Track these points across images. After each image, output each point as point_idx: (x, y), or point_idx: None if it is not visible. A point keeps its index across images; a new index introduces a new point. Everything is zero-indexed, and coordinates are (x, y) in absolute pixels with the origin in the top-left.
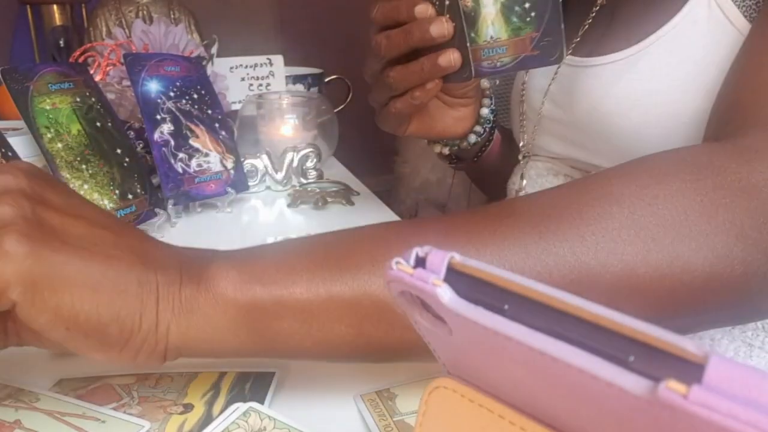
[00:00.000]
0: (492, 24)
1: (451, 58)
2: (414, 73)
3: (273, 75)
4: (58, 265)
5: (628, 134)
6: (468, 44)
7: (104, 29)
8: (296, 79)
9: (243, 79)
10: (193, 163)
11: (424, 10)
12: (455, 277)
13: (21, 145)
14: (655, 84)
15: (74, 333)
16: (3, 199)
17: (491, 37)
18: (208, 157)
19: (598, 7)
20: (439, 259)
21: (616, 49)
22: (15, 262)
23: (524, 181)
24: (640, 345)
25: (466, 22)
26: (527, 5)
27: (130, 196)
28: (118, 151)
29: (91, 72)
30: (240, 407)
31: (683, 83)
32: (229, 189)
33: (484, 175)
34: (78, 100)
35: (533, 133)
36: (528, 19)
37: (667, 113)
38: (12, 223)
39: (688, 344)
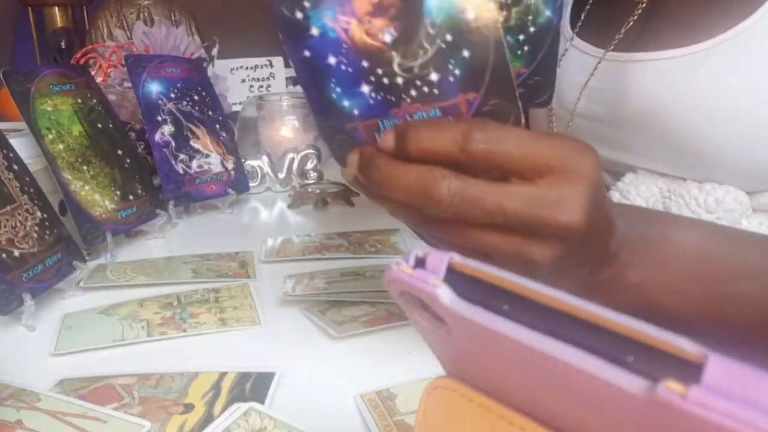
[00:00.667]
0: None
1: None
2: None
3: (273, 76)
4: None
5: (686, 133)
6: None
7: (105, 31)
8: (296, 80)
9: (243, 81)
10: (194, 164)
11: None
12: (455, 277)
13: (22, 146)
14: (725, 83)
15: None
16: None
17: None
18: (209, 158)
19: (644, 4)
20: (439, 259)
21: (675, 45)
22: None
23: None
24: (639, 345)
25: None
26: (521, 37)
27: (131, 197)
28: (119, 152)
29: (93, 73)
30: (240, 407)
31: (757, 84)
32: (230, 190)
33: None
34: (79, 101)
35: (566, 132)
36: (519, 52)
37: (736, 114)
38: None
39: (686, 344)
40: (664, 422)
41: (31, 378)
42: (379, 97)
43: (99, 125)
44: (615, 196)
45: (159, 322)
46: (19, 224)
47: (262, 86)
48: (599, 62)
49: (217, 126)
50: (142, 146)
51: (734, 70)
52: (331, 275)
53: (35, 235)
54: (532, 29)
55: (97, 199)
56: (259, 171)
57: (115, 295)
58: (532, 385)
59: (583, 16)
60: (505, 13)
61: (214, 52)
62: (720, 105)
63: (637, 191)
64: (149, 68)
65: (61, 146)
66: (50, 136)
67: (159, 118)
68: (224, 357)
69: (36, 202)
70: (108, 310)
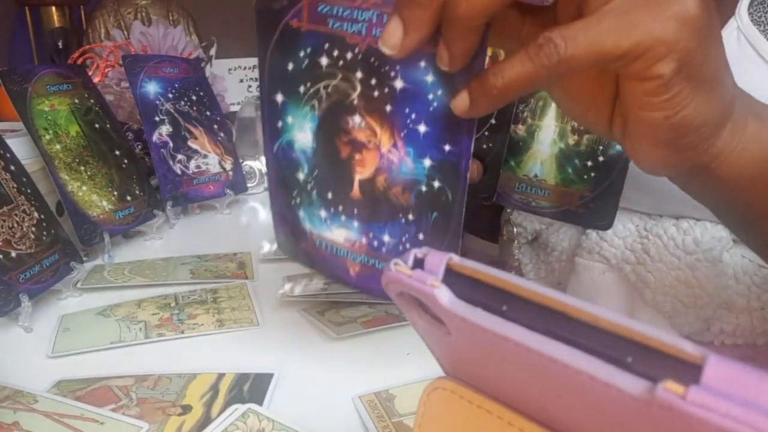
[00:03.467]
0: (541, 163)
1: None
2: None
3: None
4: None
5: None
6: (500, 169)
7: (103, 31)
8: None
9: (241, 81)
10: (192, 164)
11: None
12: (454, 278)
13: (19, 146)
14: None
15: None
16: None
17: (535, 176)
18: (207, 158)
19: None
20: (438, 260)
21: None
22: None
23: None
24: (638, 346)
25: (509, 147)
26: (589, 163)
27: (128, 198)
28: (117, 152)
29: (90, 73)
30: (239, 408)
31: None
32: (228, 190)
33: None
34: (77, 101)
35: None
36: (585, 177)
37: None
38: None
39: (685, 345)
40: (664, 423)
41: (28, 379)
42: None
43: (96, 125)
44: (592, 236)
45: (157, 323)
46: (16, 225)
47: None
48: None
49: (215, 126)
50: (139, 147)
51: None
52: None
53: (32, 235)
54: (601, 158)
55: (95, 199)
56: (257, 171)
57: (112, 296)
58: (531, 386)
59: None
60: (576, 137)
61: (212, 52)
62: None
63: (613, 231)
64: (147, 68)
65: (58, 146)
66: (47, 137)
67: (157, 119)
68: (222, 358)
69: (33, 202)
70: (105, 312)
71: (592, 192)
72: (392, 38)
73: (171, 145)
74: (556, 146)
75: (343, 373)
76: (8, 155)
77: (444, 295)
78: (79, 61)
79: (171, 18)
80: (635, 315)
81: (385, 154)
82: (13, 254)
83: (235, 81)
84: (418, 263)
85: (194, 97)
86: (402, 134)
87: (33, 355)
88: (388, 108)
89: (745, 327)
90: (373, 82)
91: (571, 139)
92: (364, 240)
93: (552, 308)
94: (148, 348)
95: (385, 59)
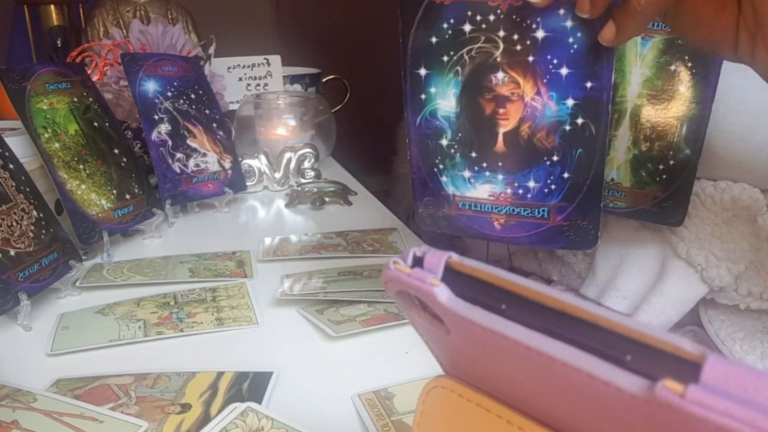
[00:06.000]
0: (617, 168)
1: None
2: None
3: (270, 75)
4: None
5: None
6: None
7: (102, 29)
8: (294, 79)
9: (240, 79)
10: (191, 163)
11: None
12: (453, 276)
13: (18, 145)
14: (742, 79)
15: None
16: None
17: (612, 179)
18: (206, 157)
19: None
20: (437, 258)
21: None
22: None
23: None
24: (637, 344)
25: None
26: (661, 167)
27: (127, 196)
28: (116, 151)
29: (89, 72)
30: (238, 407)
31: None
32: (227, 189)
33: None
34: (75, 100)
35: None
36: (657, 179)
37: (752, 111)
38: None
39: (685, 344)
40: (663, 421)
41: (28, 378)
42: None
43: (95, 124)
44: None
45: (156, 321)
46: (15, 224)
47: (259, 85)
48: None
49: (214, 125)
50: (138, 145)
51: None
52: (328, 275)
53: (31, 234)
54: (671, 162)
55: (94, 198)
56: (256, 170)
57: (111, 295)
58: (530, 384)
59: None
60: (648, 144)
61: (211, 50)
62: (734, 101)
63: None
64: (146, 67)
65: (57, 145)
66: (46, 135)
67: (156, 117)
68: (221, 357)
69: (32, 201)
70: (104, 310)
71: (664, 192)
72: None
73: (170, 143)
74: (630, 153)
75: (342, 372)
76: (7, 154)
77: (443, 294)
78: (78, 60)
79: (170, 16)
80: (666, 269)
81: (529, 102)
82: (12, 253)
83: (234, 79)
84: (418, 262)
85: (193, 96)
86: (545, 80)
87: (32, 353)
88: (531, 58)
89: None
90: (516, 37)
91: (644, 146)
92: (509, 190)
93: (551, 307)
94: (147, 346)
95: (525, 14)
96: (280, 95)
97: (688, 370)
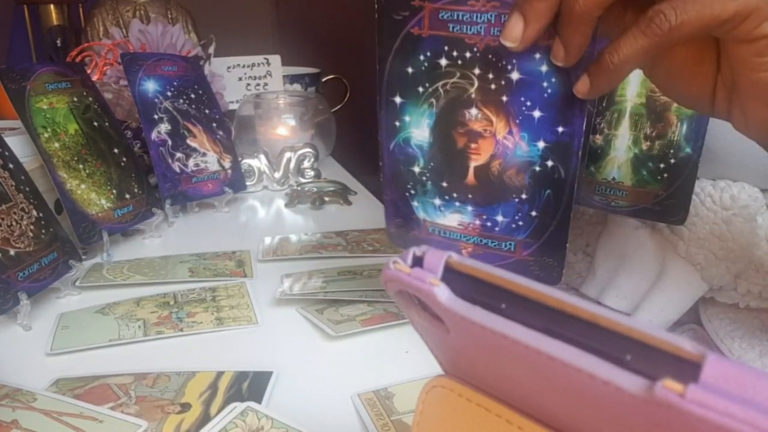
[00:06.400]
0: (618, 168)
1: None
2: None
3: (270, 74)
4: None
5: None
6: (582, 174)
7: (101, 29)
8: (293, 78)
9: (240, 79)
10: (191, 162)
11: None
12: (452, 276)
13: (18, 144)
14: None
15: None
16: None
17: (613, 179)
18: (206, 156)
19: None
20: (437, 258)
21: None
22: None
23: None
24: (637, 344)
25: (588, 155)
26: (661, 165)
27: (127, 196)
28: (116, 150)
29: (89, 72)
30: (238, 407)
31: None
32: (227, 189)
33: None
34: (75, 99)
35: None
36: (659, 177)
37: None
38: None
39: (684, 343)
40: (663, 421)
41: (27, 378)
42: None
43: (95, 124)
44: None
45: (156, 321)
46: (14, 223)
47: (259, 84)
48: None
49: (214, 124)
50: (138, 145)
51: None
52: (328, 274)
53: (31, 234)
54: (672, 161)
55: (93, 198)
56: (256, 170)
57: (111, 295)
58: (530, 384)
59: None
60: (648, 143)
61: (211, 50)
62: None
63: None
64: (145, 66)
65: (56, 145)
66: (46, 135)
67: (155, 117)
68: (221, 356)
69: (31, 200)
70: (104, 310)
71: (665, 191)
72: (514, 32)
73: (170, 143)
74: (631, 152)
75: (341, 371)
76: (6, 153)
77: (443, 293)
78: (78, 59)
79: (170, 16)
80: (666, 268)
81: (501, 141)
82: (12, 252)
83: (234, 79)
84: (417, 261)
85: (193, 95)
86: (517, 121)
87: (32, 353)
88: (504, 98)
89: None
90: (491, 76)
91: (644, 145)
92: (477, 222)
93: (551, 306)
94: (147, 346)
95: (502, 55)
96: (280, 95)
97: (688, 369)
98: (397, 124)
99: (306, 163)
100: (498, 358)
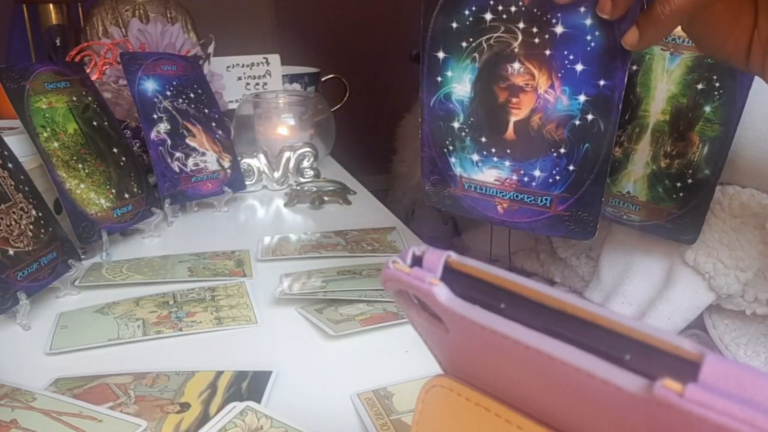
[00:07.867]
0: (634, 182)
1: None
2: None
3: (270, 74)
4: None
5: None
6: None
7: (101, 28)
8: (293, 78)
9: (240, 78)
10: (190, 162)
11: None
12: (452, 276)
13: (17, 144)
14: (756, 85)
15: None
16: None
17: (628, 192)
18: (205, 156)
19: None
20: (436, 258)
21: None
22: None
23: None
24: (637, 343)
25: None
26: (678, 185)
27: (126, 196)
28: (115, 150)
29: (88, 71)
30: (237, 406)
31: None
32: (226, 188)
33: None
34: (74, 99)
35: None
36: (674, 196)
37: (763, 116)
38: None
39: (684, 343)
40: (662, 420)
41: (26, 377)
42: None
43: (94, 123)
44: None
45: (155, 321)
46: (13, 223)
47: (258, 84)
48: None
49: (214, 124)
50: (137, 144)
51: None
52: (327, 274)
53: (30, 233)
54: (689, 181)
55: (93, 197)
56: (255, 169)
57: (110, 294)
58: (529, 383)
59: None
60: (668, 161)
61: (210, 49)
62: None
63: None
64: (145, 66)
65: (56, 144)
66: (45, 134)
67: (155, 116)
68: (220, 356)
69: (31, 200)
70: (103, 309)
71: (679, 210)
72: None
73: (169, 142)
74: (649, 168)
75: (341, 371)
76: (6, 153)
77: (442, 293)
78: (77, 59)
79: (169, 15)
80: (673, 276)
81: (542, 95)
82: (11, 252)
83: (233, 78)
84: (417, 261)
85: (192, 95)
86: (559, 74)
87: (31, 352)
88: (548, 52)
89: None
90: (535, 30)
91: (663, 162)
92: (515, 177)
93: (550, 306)
94: (146, 346)
95: (547, 9)
96: (280, 94)
97: (687, 369)
98: (439, 79)
99: (305, 163)
100: (497, 357)
